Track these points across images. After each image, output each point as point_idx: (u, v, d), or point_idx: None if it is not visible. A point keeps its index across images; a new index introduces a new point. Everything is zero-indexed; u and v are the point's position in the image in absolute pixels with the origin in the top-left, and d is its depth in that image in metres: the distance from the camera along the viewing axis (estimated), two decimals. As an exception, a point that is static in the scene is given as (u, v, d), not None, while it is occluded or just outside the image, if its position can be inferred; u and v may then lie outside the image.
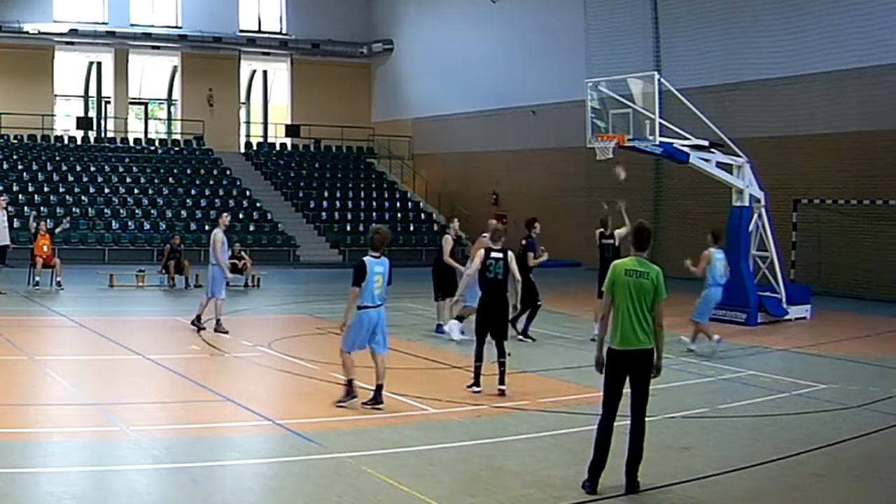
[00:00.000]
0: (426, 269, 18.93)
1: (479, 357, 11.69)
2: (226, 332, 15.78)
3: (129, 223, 32.34)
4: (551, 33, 32.86)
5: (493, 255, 12.06)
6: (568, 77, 29.34)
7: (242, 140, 41.34)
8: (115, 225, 32.12)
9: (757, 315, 18.81)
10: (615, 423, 7.83)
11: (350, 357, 10.75)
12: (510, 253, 12.30)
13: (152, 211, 33.42)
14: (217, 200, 34.98)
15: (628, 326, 7.79)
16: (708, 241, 15.48)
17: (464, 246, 35.20)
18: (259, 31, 40.87)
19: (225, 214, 17.49)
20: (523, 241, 16.18)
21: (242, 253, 25.06)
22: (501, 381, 11.53)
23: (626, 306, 7.81)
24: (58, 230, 24.22)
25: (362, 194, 38.34)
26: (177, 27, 39.04)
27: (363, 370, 10.86)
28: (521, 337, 15.74)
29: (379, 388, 10.63)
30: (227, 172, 37.44)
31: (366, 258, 10.60)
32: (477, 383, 11.61)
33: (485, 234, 15.93)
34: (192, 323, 16.17)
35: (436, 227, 36.96)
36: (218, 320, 16.04)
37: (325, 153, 41.06)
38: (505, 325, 12.01)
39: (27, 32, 35.89)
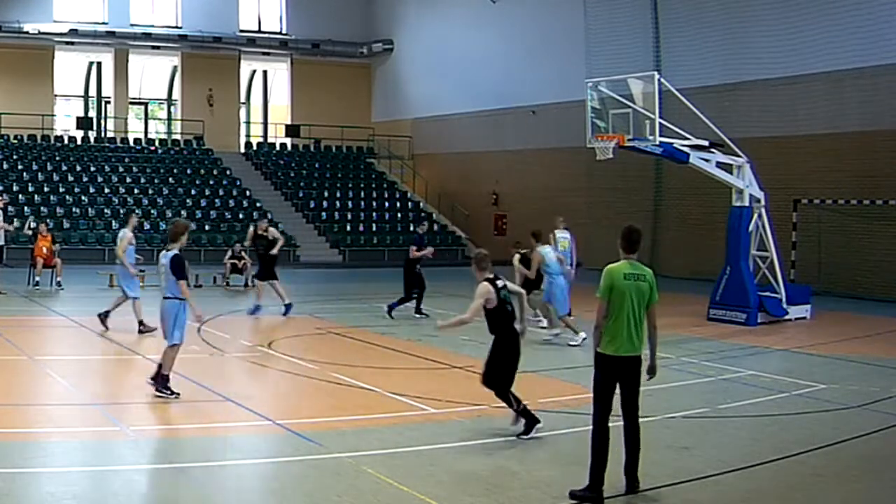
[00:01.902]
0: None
1: (518, 401, 9.68)
2: (151, 331, 15.32)
3: (130, 223, 32.30)
4: (551, 33, 32.86)
5: (499, 282, 9.66)
6: (568, 77, 29.35)
7: (242, 140, 41.36)
8: (115, 225, 32.06)
9: (757, 315, 18.77)
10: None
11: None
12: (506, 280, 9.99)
13: (152, 211, 33.40)
14: (217, 200, 35.00)
15: (625, 333, 7.68)
16: (532, 243, 16.16)
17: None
18: (259, 31, 40.87)
19: (134, 214, 17.88)
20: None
21: (242, 253, 25.06)
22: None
23: (628, 312, 7.69)
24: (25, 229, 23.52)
25: (362, 194, 38.34)
26: (177, 27, 39.05)
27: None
28: (415, 314, 18.31)
29: (158, 366, 10.96)
30: (227, 172, 37.44)
31: None
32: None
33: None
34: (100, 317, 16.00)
35: (436, 227, 36.98)
36: (140, 321, 15.82)
37: (325, 153, 41.06)
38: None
39: (27, 32, 35.91)
